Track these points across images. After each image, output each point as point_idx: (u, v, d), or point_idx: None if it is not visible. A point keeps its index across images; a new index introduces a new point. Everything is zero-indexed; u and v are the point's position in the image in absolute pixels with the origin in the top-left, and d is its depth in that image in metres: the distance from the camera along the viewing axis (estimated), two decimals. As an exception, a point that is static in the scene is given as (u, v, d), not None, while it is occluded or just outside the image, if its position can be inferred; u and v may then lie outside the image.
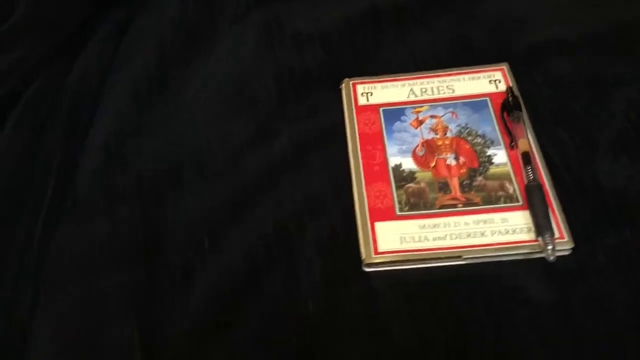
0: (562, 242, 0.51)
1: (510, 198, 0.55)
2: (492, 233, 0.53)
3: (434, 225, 0.54)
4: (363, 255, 0.53)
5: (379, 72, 0.67)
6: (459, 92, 0.64)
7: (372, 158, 0.59)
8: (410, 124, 0.62)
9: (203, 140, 0.63)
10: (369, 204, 0.56)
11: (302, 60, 0.69)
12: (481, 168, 0.57)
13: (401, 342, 0.49)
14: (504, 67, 0.65)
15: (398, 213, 0.55)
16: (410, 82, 0.65)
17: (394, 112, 0.63)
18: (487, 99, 0.63)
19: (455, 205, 0.55)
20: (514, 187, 0.55)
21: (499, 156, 0.58)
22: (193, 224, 0.57)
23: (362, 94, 0.65)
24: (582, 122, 0.61)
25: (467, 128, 0.60)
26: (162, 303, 0.52)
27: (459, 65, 0.66)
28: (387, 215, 0.55)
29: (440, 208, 0.55)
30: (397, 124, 0.62)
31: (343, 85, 0.66)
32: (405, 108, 0.63)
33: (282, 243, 0.55)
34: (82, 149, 0.63)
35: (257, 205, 0.57)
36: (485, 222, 0.53)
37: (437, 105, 0.63)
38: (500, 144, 0.59)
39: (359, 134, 0.61)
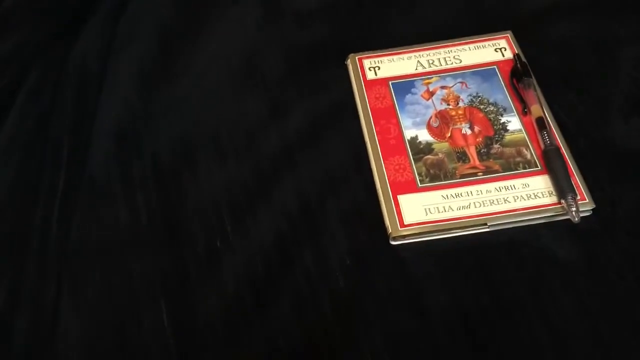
0: (583, 203, 0.52)
1: (528, 163, 0.56)
2: (515, 199, 0.53)
3: (457, 195, 0.54)
4: (389, 229, 0.53)
5: (384, 43, 0.67)
6: (466, 61, 0.64)
7: (387, 132, 0.59)
8: (421, 95, 0.62)
9: (216, 120, 0.62)
10: (389, 177, 0.56)
11: (307, 35, 0.68)
12: (497, 136, 0.58)
13: (437, 310, 0.49)
14: (508, 34, 0.65)
15: (420, 185, 0.55)
16: (417, 54, 0.65)
17: (404, 85, 0.63)
18: (495, 67, 0.63)
19: (475, 174, 0.55)
20: (531, 153, 0.56)
21: (513, 123, 0.58)
22: (213, 206, 0.56)
23: (369, 68, 0.64)
24: (590, 85, 0.62)
25: (479, 97, 0.61)
26: (191, 287, 0.52)
27: (462, 34, 0.66)
28: (409, 187, 0.55)
29: (460, 177, 0.55)
30: (409, 97, 0.62)
31: (349, 60, 0.65)
32: (415, 80, 0.63)
33: (307, 220, 0.55)
34: (92, 135, 0.61)
35: (278, 183, 0.57)
36: (506, 188, 0.54)
37: (446, 76, 0.63)
38: (512, 111, 0.59)
39: (371, 109, 0.61)
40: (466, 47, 0.65)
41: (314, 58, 0.67)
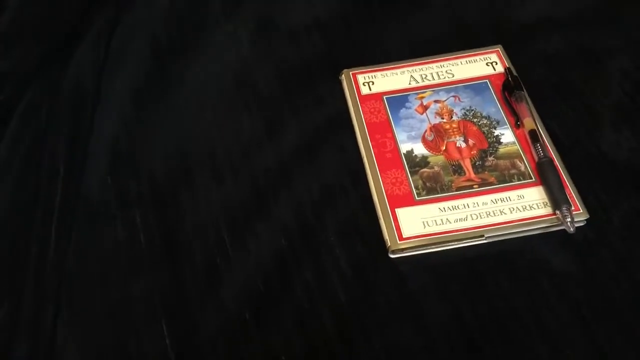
0: (578, 213, 0.53)
1: (522, 175, 0.56)
2: (511, 210, 0.54)
3: (454, 207, 0.55)
4: (388, 243, 0.53)
5: (375, 59, 0.67)
6: (458, 76, 0.65)
7: (383, 146, 0.60)
8: (416, 110, 0.63)
9: (212, 137, 0.62)
10: (386, 191, 0.56)
11: (299, 51, 0.69)
12: (491, 148, 0.59)
13: (436, 322, 0.50)
14: (498, 49, 0.66)
15: (417, 198, 0.56)
16: (410, 69, 0.66)
17: (398, 100, 0.63)
18: (487, 81, 0.64)
19: (471, 186, 0.56)
20: (525, 165, 0.57)
21: (506, 136, 0.59)
22: (212, 224, 0.56)
23: (363, 83, 0.65)
24: (581, 96, 0.63)
25: (472, 110, 0.62)
26: (191, 306, 0.52)
27: (453, 49, 0.67)
28: (406, 201, 0.56)
29: (457, 190, 0.56)
30: (403, 111, 0.62)
31: (343, 75, 0.66)
32: (408, 95, 0.64)
33: (305, 235, 0.55)
34: (87, 154, 0.61)
35: (275, 199, 0.57)
36: (502, 200, 0.55)
37: (439, 90, 0.64)
38: (505, 124, 0.60)
39: (367, 123, 0.61)
40: (458, 61, 0.66)
41: (307, 74, 0.67)
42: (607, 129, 0.60)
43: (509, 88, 0.62)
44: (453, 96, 0.63)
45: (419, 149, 0.59)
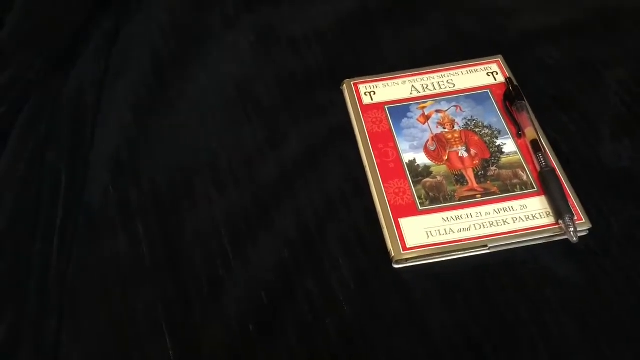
0: (580, 223, 0.54)
1: (525, 185, 0.57)
2: (514, 220, 0.54)
3: (457, 217, 0.55)
4: (392, 253, 0.53)
5: (376, 68, 0.68)
6: (459, 86, 0.65)
7: (385, 156, 0.60)
8: (418, 119, 0.63)
9: (213, 147, 0.62)
10: (389, 201, 0.56)
11: (301, 61, 0.69)
12: (493, 158, 0.59)
13: (441, 332, 0.50)
14: (499, 59, 0.67)
15: (420, 208, 0.56)
16: (411, 79, 0.66)
17: (400, 109, 0.64)
18: (488, 90, 0.64)
19: (474, 196, 0.56)
20: (527, 174, 0.57)
21: (508, 145, 0.60)
22: (214, 235, 0.56)
23: (365, 93, 0.65)
24: (580, 106, 0.63)
25: (474, 120, 0.62)
26: (194, 318, 0.52)
27: (453, 59, 0.68)
28: (410, 211, 0.56)
29: (460, 200, 0.56)
30: (405, 121, 0.63)
31: (344, 85, 0.66)
32: (410, 104, 0.64)
33: (308, 246, 0.55)
34: (88, 165, 0.61)
35: (278, 209, 0.57)
36: (505, 210, 0.55)
37: (441, 100, 0.64)
38: (507, 134, 0.61)
39: (369, 133, 0.62)
40: (459, 71, 0.66)
41: (308, 84, 0.67)
42: (606, 139, 0.61)
43: (510, 98, 0.62)
44: (454, 106, 0.64)
45: (422, 159, 0.60)
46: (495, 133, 0.61)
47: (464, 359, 0.49)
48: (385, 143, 0.61)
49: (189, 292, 0.53)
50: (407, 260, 0.53)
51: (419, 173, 0.58)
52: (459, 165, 0.59)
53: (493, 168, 0.58)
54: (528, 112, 0.61)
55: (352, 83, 0.66)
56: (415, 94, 0.65)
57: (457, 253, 0.54)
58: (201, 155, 0.62)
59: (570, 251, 0.53)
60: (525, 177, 0.57)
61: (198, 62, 0.69)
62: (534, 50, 0.68)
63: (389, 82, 0.66)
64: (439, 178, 0.58)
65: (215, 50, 0.71)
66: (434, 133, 0.61)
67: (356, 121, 0.63)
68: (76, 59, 0.67)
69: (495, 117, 0.62)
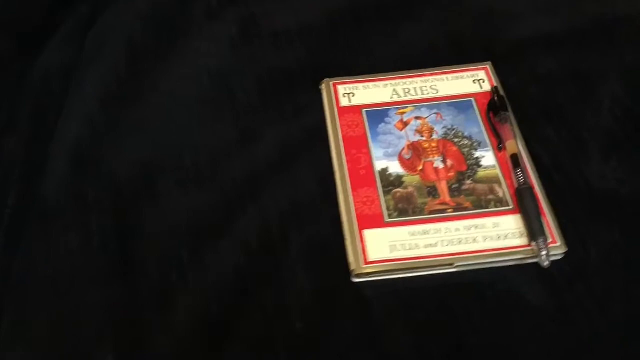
0: (555, 246, 0.50)
1: (500, 202, 0.53)
2: (484, 239, 0.51)
3: (424, 232, 0.52)
4: (352, 266, 0.51)
5: (362, 69, 0.65)
6: (443, 92, 0.62)
7: (357, 162, 0.57)
8: (395, 125, 0.60)
9: (181, 144, 0.60)
10: (356, 210, 0.54)
11: (283, 58, 0.66)
12: (469, 171, 0.56)
13: (399, 353, 0.47)
14: (487, 66, 0.63)
15: (387, 220, 0.53)
16: (393, 82, 0.63)
17: (378, 114, 0.61)
18: (472, 99, 0.61)
19: (444, 211, 0.53)
20: (504, 191, 0.54)
21: (487, 158, 0.56)
22: (172, 236, 0.54)
23: (344, 94, 0.62)
24: (570, 121, 0.60)
25: (453, 129, 0.59)
26: (141, 323, 0.49)
27: (442, 63, 0.65)
28: (376, 222, 0.53)
29: (429, 214, 0.53)
30: (382, 126, 0.60)
31: (323, 85, 0.63)
32: (389, 109, 0.61)
33: (268, 254, 0.52)
34: (48, 155, 0.59)
35: (241, 213, 0.55)
36: (476, 227, 0.52)
37: (422, 106, 0.61)
38: (487, 146, 0.57)
39: (343, 137, 0.59)
40: (444, 77, 0.63)
41: (288, 82, 0.65)
42: (594, 158, 0.57)
43: (494, 108, 0.59)
44: (435, 113, 0.60)
45: (395, 168, 0.57)
46: (475, 144, 0.58)
47: (419, 383, 0.46)
48: (359, 148, 0.58)
49: (138, 295, 0.51)
50: (368, 274, 0.51)
51: (390, 182, 0.55)
52: (433, 176, 0.56)
53: (468, 182, 0.55)
54: (511, 125, 0.58)
55: (331, 83, 0.63)
56: (395, 99, 0.62)
57: (421, 270, 0.51)
58: (167, 152, 0.59)
59: (542, 275, 0.50)
60: (501, 194, 0.54)
61: (175, 54, 0.67)
62: (528, 58, 0.65)
63: (370, 84, 0.63)
64: (410, 189, 0.55)
65: (194, 43, 0.68)
66: (411, 141, 0.58)
67: (331, 124, 0.60)
68: (44, 45, 0.65)
69: (477, 128, 0.59)
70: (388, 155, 0.57)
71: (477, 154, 0.57)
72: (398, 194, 0.55)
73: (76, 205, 0.56)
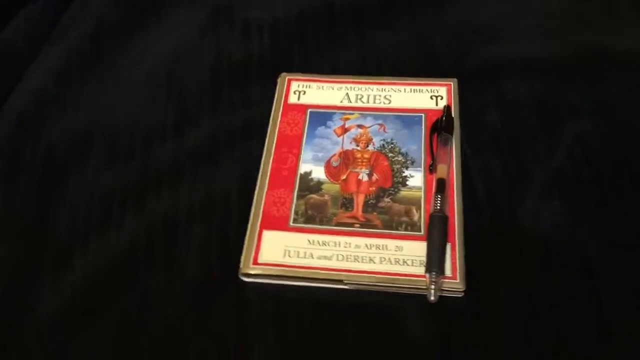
0: (452, 282, 0.47)
1: (412, 226, 0.50)
2: (382, 260, 0.48)
3: (323, 243, 0.50)
4: (241, 264, 0.49)
5: (324, 69, 0.63)
6: (395, 103, 0.59)
7: (283, 162, 0.55)
8: (334, 130, 0.58)
9: (120, 121, 0.60)
10: (264, 210, 0.52)
11: (247, 49, 0.65)
12: (392, 189, 0.53)
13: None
14: (451, 82, 0.60)
15: (291, 224, 0.51)
16: (348, 85, 0.61)
17: (322, 116, 0.59)
18: (423, 115, 0.58)
19: (352, 225, 0.51)
20: (420, 215, 0.51)
21: (415, 179, 0.53)
22: (88, 207, 0.54)
23: (294, 91, 0.61)
24: (520, 153, 0.55)
25: (391, 144, 0.56)
26: (35, 283, 0.50)
27: (410, 73, 0.62)
28: (279, 224, 0.51)
29: (336, 225, 0.51)
30: (321, 129, 0.58)
31: (279, 80, 0.62)
32: (335, 113, 0.59)
33: (168, 240, 0.52)
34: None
35: (155, 197, 0.54)
36: (378, 247, 0.49)
37: (368, 115, 0.58)
38: (420, 166, 0.54)
39: (279, 135, 0.57)
40: (402, 87, 0.60)
41: (246, 72, 0.64)
42: (534, 196, 0.52)
43: (437, 128, 0.55)
44: (379, 124, 0.58)
45: (319, 173, 0.54)
46: (407, 162, 0.54)
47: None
48: (290, 148, 0.56)
49: (41, 258, 0.51)
50: (256, 276, 0.49)
51: (308, 187, 0.53)
52: (353, 188, 0.53)
53: (387, 199, 0.52)
54: (451, 148, 0.54)
55: (286, 78, 0.62)
56: (345, 103, 0.60)
57: (308, 281, 0.48)
58: (105, 128, 0.60)
59: (435, 310, 0.47)
60: (416, 218, 0.51)
61: (141, 36, 0.67)
62: (497, 82, 0.60)
63: (324, 84, 0.61)
64: (325, 197, 0.53)
65: (163, 25, 0.68)
66: (344, 149, 0.56)
67: (272, 120, 0.59)
68: (20, 10, 0.67)
69: (416, 145, 0.56)
70: (317, 160, 0.55)
71: (407, 172, 0.54)
72: (311, 200, 0.53)
73: (9, 165, 0.58)
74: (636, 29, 0.64)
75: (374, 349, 0.45)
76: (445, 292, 0.47)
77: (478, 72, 0.61)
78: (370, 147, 0.56)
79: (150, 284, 0.50)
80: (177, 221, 0.53)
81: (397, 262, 0.48)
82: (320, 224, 0.51)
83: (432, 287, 0.46)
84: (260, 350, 0.46)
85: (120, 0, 0.71)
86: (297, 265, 0.49)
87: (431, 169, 0.53)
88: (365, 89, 0.60)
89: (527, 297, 0.47)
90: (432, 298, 0.46)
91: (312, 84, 0.61)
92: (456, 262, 0.48)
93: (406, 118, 0.58)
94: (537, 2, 0.68)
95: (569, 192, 0.53)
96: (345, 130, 0.57)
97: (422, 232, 0.50)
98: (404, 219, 0.51)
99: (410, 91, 0.60)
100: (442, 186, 0.51)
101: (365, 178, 0.54)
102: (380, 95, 0.60)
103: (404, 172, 0.54)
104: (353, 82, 0.61)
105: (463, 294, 0.47)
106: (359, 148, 0.56)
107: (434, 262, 0.47)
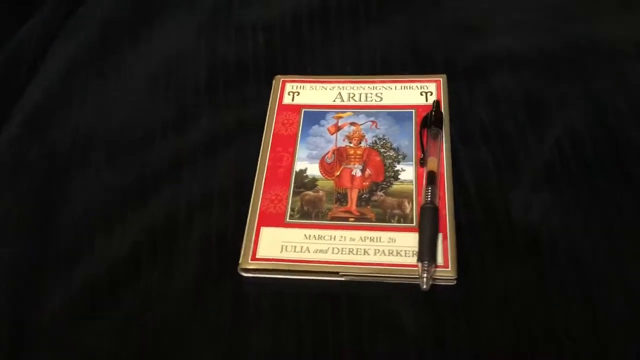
0: (444, 271, 0.48)
1: (404, 218, 0.52)
2: (376, 252, 0.50)
3: (319, 237, 0.51)
4: (240, 259, 0.51)
5: (318, 69, 0.65)
6: (386, 100, 0.61)
7: (279, 160, 0.57)
8: (328, 129, 0.59)
9: (122, 121, 0.62)
10: (261, 207, 0.54)
11: (243, 50, 0.67)
12: (385, 183, 0.54)
13: (255, 351, 0.47)
14: (441, 79, 0.61)
15: (287, 220, 0.53)
16: (341, 85, 0.62)
17: (315, 115, 0.60)
18: (413, 110, 0.59)
19: (347, 219, 0.52)
20: (413, 208, 0.52)
21: (407, 172, 0.55)
22: (92, 206, 0.56)
23: (288, 92, 0.62)
24: (509, 146, 0.57)
25: (383, 139, 0.58)
26: (41, 281, 0.52)
27: (402, 70, 0.63)
28: (276, 221, 0.53)
29: (331, 220, 0.52)
30: (315, 128, 0.59)
31: (274, 81, 0.64)
32: (328, 112, 0.60)
33: (168, 237, 0.53)
34: (10, 117, 0.63)
35: (155, 195, 0.56)
36: (372, 239, 0.51)
37: (360, 113, 0.60)
38: (411, 160, 0.56)
39: (274, 135, 0.59)
40: (392, 85, 0.62)
41: (243, 73, 0.65)
42: (524, 188, 0.54)
43: (427, 122, 0.57)
44: (371, 121, 0.59)
45: (313, 170, 0.56)
46: (399, 157, 0.56)
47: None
48: (285, 147, 0.58)
49: (47, 257, 0.53)
50: (254, 270, 0.51)
51: (303, 184, 0.55)
52: (347, 183, 0.55)
53: (380, 193, 0.54)
54: (441, 141, 0.56)
55: (281, 80, 0.64)
56: (338, 102, 0.61)
57: (306, 274, 0.50)
58: (108, 127, 0.62)
59: (428, 299, 0.48)
60: (408, 210, 0.52)
61: (143, 38, 0.69)
62: (486, 76, 0.62)
63: (317, 85, 0.63)
64: (320, 193, 0.54)
65: (166, 26, 0.70)
66: (337, 146, 0.58)
67: (268, 120, 0.60)
68: (38, 10, 0.69)
69: (408, 140, 0.57)
70: (311, 157, 0.57)
71: (399, 166, 0.55)
72: (307, 197, 0.54)
73: (15, 164, 0.59)
74: (621, 21, 0.66)
75: (366, 339, 0.47)
76: (437, 280, 0.48)
77: (467, 68, 0.63)
78: (363, 144, 0.58)
79: (152, 280, 0.51)
80: (176, 219, 0.55)
81: (390, 253, 0.50)
82: (316, 219, 0.53)
83: (425, 275, 0.47)
84: (259, 343, 0.47)
85: (123, 5, 0.73)
86: (294, 259, 0.50)
87: (422, 162, 0.55)
88: (357, 87, 0.62)
89: (517, 287, 0.49)
90: (425, 286, 0.47)
91: (305, 84, 0.63)
92: (448, 251, 0.49)
93: (397, 114, 0.59)
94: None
95: (559, 183, 0.54)
96: (338, 128, 0.59)
97: (415, 224, 0.51)
98: (397, 211, 0.52)
99: (401, 88, 0.61)
100: (432, 178, 0.53)
101: (359, 173, 0.55)
102: (371, 93, 0.61)
103: (395, 166, 0.55)
104: (344, 82, 0.63)
105: (455, 282, 0.49)
106: (352, 145, 0.58)
107: (426, 252, 0.48)
